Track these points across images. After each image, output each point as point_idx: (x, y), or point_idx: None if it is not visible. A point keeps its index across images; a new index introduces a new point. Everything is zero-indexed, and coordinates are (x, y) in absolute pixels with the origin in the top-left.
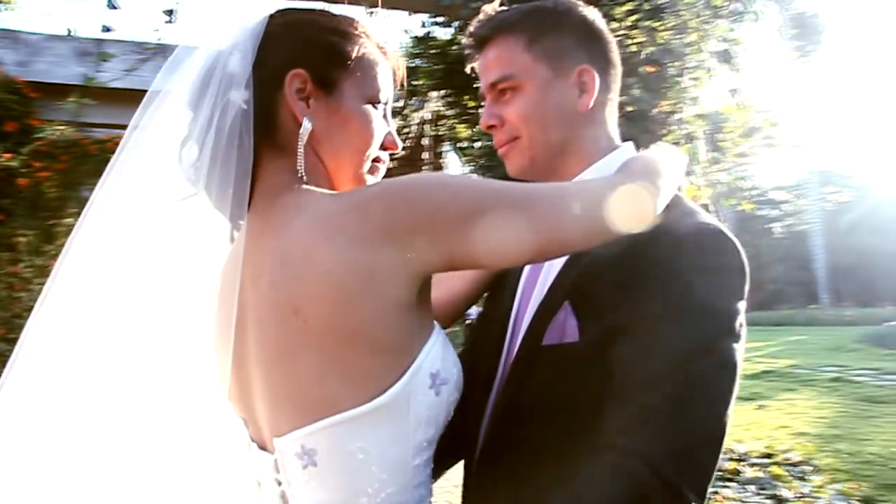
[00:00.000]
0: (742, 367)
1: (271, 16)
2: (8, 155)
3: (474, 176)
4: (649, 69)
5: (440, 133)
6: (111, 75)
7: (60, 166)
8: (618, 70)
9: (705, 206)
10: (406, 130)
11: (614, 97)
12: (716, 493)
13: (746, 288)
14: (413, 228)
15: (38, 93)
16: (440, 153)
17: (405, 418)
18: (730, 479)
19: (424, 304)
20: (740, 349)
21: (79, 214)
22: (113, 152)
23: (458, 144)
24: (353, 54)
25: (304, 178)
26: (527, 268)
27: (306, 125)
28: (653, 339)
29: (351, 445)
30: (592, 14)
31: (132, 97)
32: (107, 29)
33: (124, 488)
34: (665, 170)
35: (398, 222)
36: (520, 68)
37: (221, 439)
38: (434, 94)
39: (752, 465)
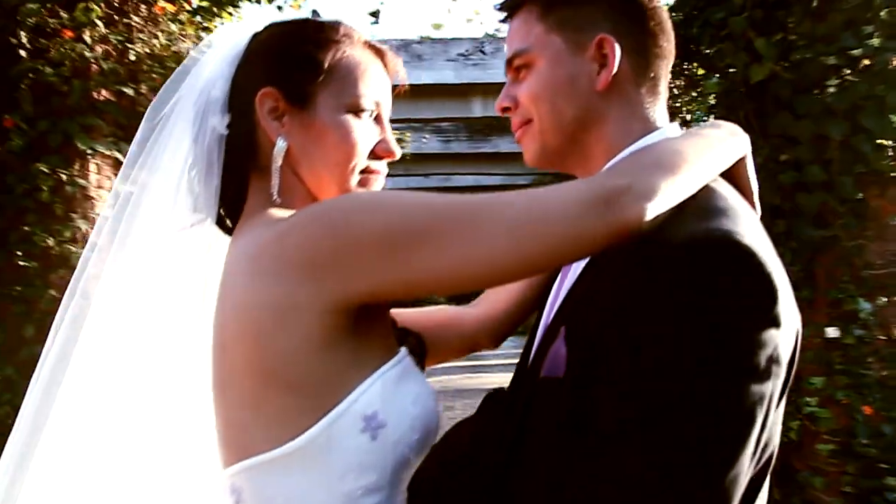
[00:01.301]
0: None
1: (254, 35)
2: None
3: (421, 193)
4: None
5: (675, 105)
6: None
7: None
8: (661, 42)
9: None
10: None
11: (658, 74)
12: None
13: (776, 311)
14: (331, 260)
15: None
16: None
17: (328, 464)
18: None
19: (362, 339)
20: (761, 392)
21: None
22: None
23: (686, 116)
24: (327, 62)
25: (278, 199)
26: (556, 282)
27: (280, 145)
28: (627, 384)
29: (268, 490)
30: None
31: None
32: None
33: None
34: (684, 162)
35: (315, 254)
36: (533, 41)
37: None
38: None
39: None
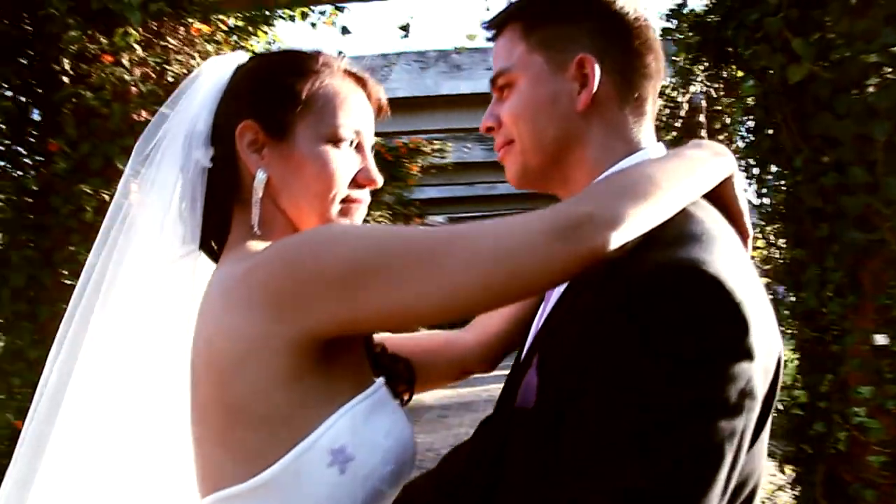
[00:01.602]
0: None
1: (238, 66)
2: None
3: (385, 227)
4: None
5: (715, 108)
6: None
7: None
8: (647, 61)
9: None
10: (674, 111)
11: (643, 94)
12: None
13: (747, 342)
14: (293, 296)
15: None
16: (717, 130)
17: (297, 497)
18: None
19: (331, 372)
20: (732, 427)
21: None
22: (405, 157)
23: (726, 119)
24: (305, 92)
25: (258, 231)
26: (541, 307)
27: (259, 177)
28: (593, 417)
29: None
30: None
31: (414, 104)
32: (340, 54)
33: None
34: (655, 187)
35: (278, 290)
36: (516, 60)
37: None
38: (699, 70)
39: None
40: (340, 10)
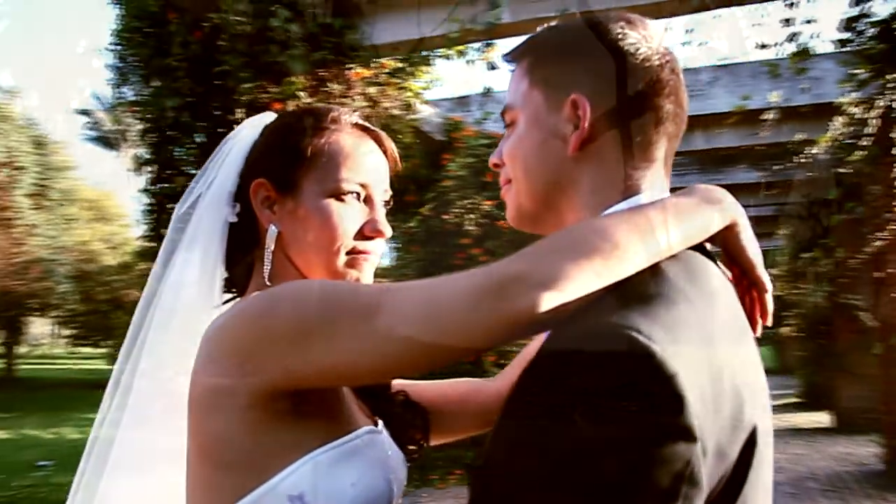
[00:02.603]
0: None
1: (265, 127)
2: (490, 202)
3: (341, 284)
4: None
5: None
6: None
7: None
8: (657, 103)
9: None
10: (857, 130)
11: (649, 139)
12: None
13: (683, 421)
14: (249, 349)
15: None
16: None
17: None
18: None
19: (299, 421)
20: None
21: None
22: None
23: None
24: (310, 149)
25: (269, 283)
26: None
27: (271, 231)
28: (510, 496)
29: None
30: (633, 37)
31: None
32: (488, 90)
33: None
34: (607, 243)
35: (239, 343)
36: (519, 97)
37: None
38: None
39: None
40: (490, 45)
